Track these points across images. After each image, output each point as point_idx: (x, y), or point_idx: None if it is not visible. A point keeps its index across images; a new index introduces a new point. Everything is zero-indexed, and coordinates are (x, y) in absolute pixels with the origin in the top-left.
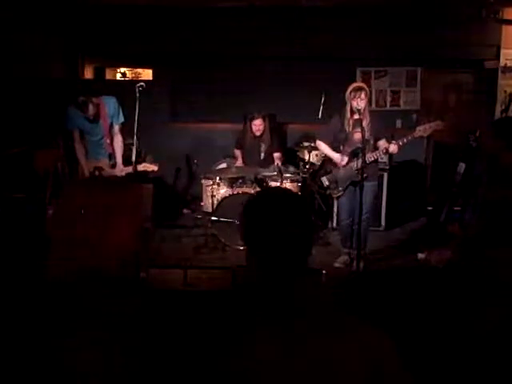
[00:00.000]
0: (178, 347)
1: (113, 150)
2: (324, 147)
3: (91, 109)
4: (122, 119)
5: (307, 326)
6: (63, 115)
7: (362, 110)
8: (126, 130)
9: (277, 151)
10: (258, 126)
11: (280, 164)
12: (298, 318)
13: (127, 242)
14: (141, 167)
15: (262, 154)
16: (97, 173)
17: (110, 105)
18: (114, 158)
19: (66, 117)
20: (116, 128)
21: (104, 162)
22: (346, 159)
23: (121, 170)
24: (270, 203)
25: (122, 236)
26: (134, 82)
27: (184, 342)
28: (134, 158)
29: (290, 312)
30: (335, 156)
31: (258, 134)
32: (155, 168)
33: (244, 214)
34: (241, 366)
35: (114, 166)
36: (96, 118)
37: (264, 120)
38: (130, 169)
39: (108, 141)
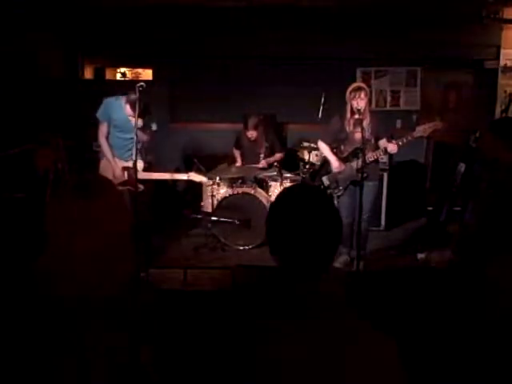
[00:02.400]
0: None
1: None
2: (324, 148)
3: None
4: (155, 127)
5: (321, 328)
6: (98, 104)
7: (362, 110)
8: None
9: (277, 152)
10: (250, 134)
11: (276, 164)
12: (312, 319)
13: (117, 245)
14: (187, 176)
15: (262, 156)
16: (126, 174)
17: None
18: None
19: (102, 105)
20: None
21: (139, 164)
22: (343, 167)
23: (160, 174)
24: (295, 200)
25: (111, 238)
26: (134, 82)
27: (202, 341)
28: (134, 157)
29: (306, 312)
30: (333, 160)
31: (252, 139)
32: (204, 179)
33: (270, 212)
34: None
35: (148, 168)
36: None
37: (256, 129)
38: (183, 175)
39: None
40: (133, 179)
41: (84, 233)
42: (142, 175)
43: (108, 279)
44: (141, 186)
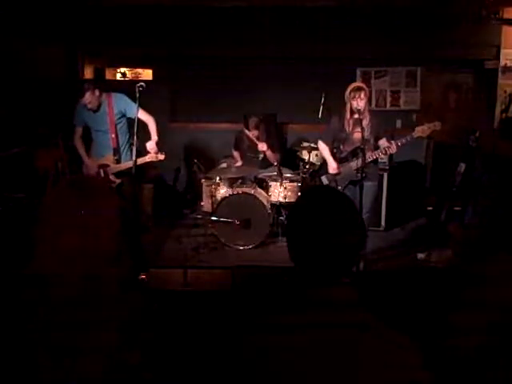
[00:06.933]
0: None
1: (116, 141)
2: (323, 148)
3: (88, 96)
4: (135, 110)
5: (329, 329)
6: (72, 112)
7: (361, 110)
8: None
9: (275, 152)
10: (252, 134)
11: (276, 164)
12: (320, 321)
13: (108, 246)
14: (147, 158)
15: (261, 155)
16: (102, 171)
17: (118, 101)
18: (119, 153)
19: (74, 112)
20: (139, 115)
21: (109, 158)
22: (340, 169)
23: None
24: (319, 205)
25: (102, 240)
26: (134, 82)
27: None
28: (134, 158)
29: (316, 314)
30: (331, 161)
31: (254, 137)
32: (162, 157)
33: (290, 216)
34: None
35: (118, 161)
36: (98, 109)
37: (257, 128)
38: (140, 160)
39: (113, 135)
40: (107, 175)
41: (71, 231)
42: (113, 168)
43: (94, 280)
44: (117, 180)
